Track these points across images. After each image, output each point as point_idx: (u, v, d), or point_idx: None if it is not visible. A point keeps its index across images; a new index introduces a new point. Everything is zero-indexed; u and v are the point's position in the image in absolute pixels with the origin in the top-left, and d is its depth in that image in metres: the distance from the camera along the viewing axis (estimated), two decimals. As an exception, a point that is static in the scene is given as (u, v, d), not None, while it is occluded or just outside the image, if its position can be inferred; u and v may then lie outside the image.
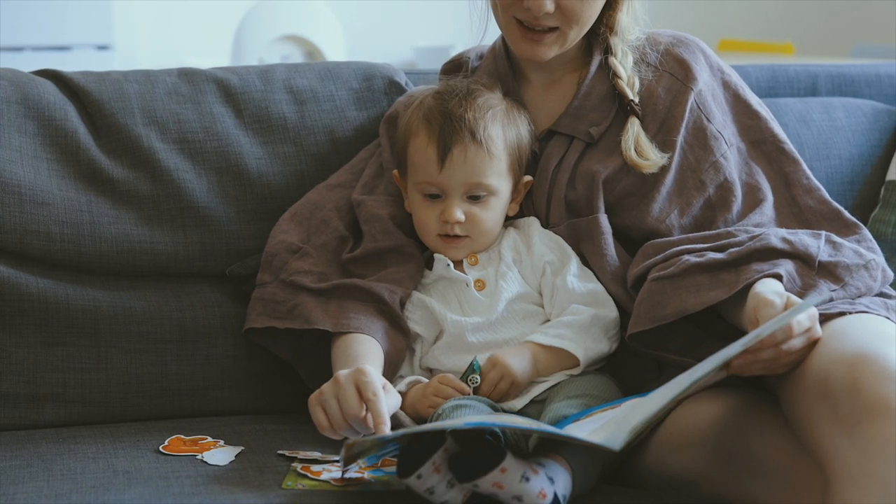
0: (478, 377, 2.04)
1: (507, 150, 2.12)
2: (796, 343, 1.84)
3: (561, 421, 1.94)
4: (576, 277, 2.12)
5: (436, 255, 2.16)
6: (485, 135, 2.09)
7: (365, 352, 2.04)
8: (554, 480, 1.83)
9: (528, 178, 2.17)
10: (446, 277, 2.15)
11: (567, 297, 2.11)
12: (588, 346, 2.08)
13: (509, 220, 2.20)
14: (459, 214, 2.10)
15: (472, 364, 2.06)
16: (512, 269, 2.13)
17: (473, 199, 2.11)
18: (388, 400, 1.90)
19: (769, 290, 1.90)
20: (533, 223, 2.17)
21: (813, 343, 1.86)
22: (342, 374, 1.91)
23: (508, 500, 1.80)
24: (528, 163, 2.17)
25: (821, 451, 1.77)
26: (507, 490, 1.80)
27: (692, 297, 1.99)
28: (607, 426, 1.82)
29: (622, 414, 1.86)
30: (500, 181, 2.12)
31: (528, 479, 1.80)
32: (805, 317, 1.85)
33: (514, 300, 2.12)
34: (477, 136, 2.09)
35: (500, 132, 2.11)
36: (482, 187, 2.10)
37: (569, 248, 2.15)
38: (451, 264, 2.14)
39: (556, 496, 1.82)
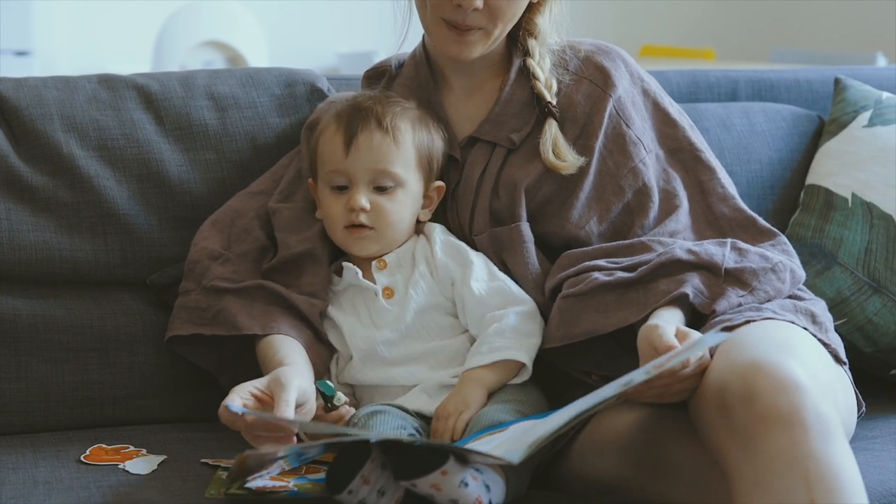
0: (341, 395, 1.98)
1: (416, 145, 2.12)
2: (688, 371, 1.86)
3: (495, 426, 1.95)
4: (479, 282, 2.10)
5: (345, 264, 2.15)
6: (391, 124, 2.10)
7: (289, 353, 2.03)
8: (490, 488, 1.84)
9: (439, 183, 2.16)
10: (356, 285, 2.14)
11: (477, 306, 2.08)
12: (525, 344, 2.06)
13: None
14: (364, 201, 2.09)
15: (321, 393, 1.98)
16: (425, 278, 2.11)
17: (380, 189, 2.10)
18: (289, 395, 1.89)
19: (664, 322, 1.91)
20: (435, 230, 2.16)
21: (703, 370, 1.86)
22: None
23: (444, 503, 1.81)
24: (439, 170, 2.16)
25: (721, 461, 1.79)
26: (445, 493, 1.80)
27: (602, 318, 2.01)
28: (509, 440, 1.84)
29: (524, 429, 1.87)
30: (407, 172, 2.11)
31: (466, 485, 1.81)
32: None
33: (424, 311, 2.10)
34: (383, 124, 2.10)
35: (409, 127, 2.12)
36: (388, 175, 2.10)
37: (469, 252, 2.12)
38: (360, 273, 2.13)
39: None
